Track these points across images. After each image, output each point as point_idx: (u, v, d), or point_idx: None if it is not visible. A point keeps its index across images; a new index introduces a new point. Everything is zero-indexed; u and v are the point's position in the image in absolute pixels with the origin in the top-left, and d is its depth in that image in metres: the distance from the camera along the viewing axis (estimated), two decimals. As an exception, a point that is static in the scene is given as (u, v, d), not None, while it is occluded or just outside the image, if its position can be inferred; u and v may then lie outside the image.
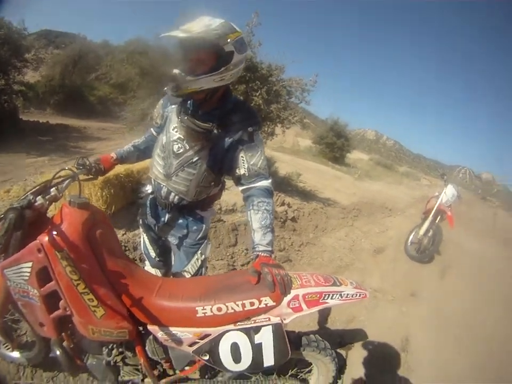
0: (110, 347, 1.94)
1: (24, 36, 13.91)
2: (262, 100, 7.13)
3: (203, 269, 2.51)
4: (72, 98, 20.10)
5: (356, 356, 3.53)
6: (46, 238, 1.60)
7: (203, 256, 2.48)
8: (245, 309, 1.74)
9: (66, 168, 2.03)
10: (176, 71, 1.88)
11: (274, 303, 1.76)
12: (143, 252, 2.70)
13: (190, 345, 1.82)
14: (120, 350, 1.98)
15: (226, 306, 1.74)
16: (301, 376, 2.28)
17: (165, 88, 2.14)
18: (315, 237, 6.70)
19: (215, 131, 2.01)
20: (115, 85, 13.34)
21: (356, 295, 1.95)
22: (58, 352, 1.94)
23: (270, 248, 1.90)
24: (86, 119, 18.35)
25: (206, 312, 1.74)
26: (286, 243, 5.82)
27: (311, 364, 2.27)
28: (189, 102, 2.11)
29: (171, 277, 2.55)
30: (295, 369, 2.25)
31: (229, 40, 1.85)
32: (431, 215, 7.33)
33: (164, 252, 2.62)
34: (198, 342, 1.80)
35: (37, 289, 1.70)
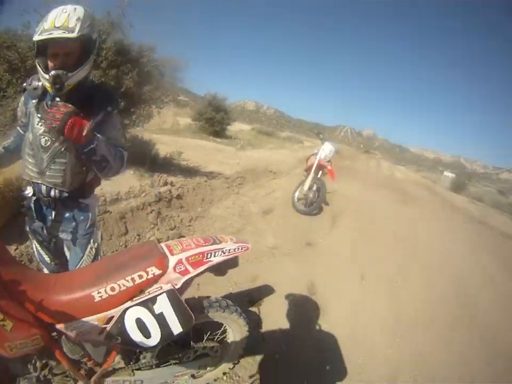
0: (33, 362, 1.85)
1: None
2: (133, 83, 6.92)
3: (99, 257, 2.49)
4: None
5: (268, 310, 3.76)
6: None
7: (96, 244, 2.47)
8: (136, 283, 1.77)
9: None
10: (56, 72, 1.87)
11: (160, 271, 1.82)
12: (38, 259, 2.58)
13: (100, 333, 1.81)
14: (43, 361, 1.88)
15: (118, 285, 1.75)
16: (218, 338, 2.43)
17: (24, 84, 2.18)
18: (203, 210, 6.78)
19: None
20: None
21: (238, 248, 2.10)
22: None
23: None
24: None
25: (102, 295, 1.73)
26: (175, 221, 5.83)
27: (223, 325, 2.41)
28: (47, 94, 2.05)
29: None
30: (209, 333, 2.39)
31: (95, 28, 1.97)
32: (312, 171, 7.84)
33: (56, 254, 2.52)
34: (105, 327, 1.80)
35: None
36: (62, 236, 2.39)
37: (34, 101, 2.11)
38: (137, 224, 5.19)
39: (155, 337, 1.85)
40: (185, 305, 1.91)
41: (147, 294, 1.82)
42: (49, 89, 1.92)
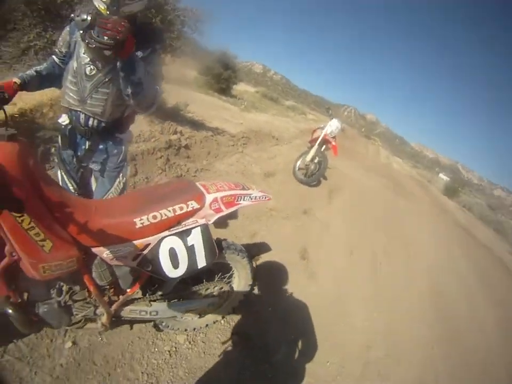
0: (58, 287, 1.88)
1: None
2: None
3: (125, 191, 2.60)
4: None
5: (263, 266, 4.01)
6: None
7: (124, 178, 2.57)
8: (176, 213, 1.88)
9: None
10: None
11: (199, 206, 1.95)
12: (61, 186, 2.51)
13: (134, 259, 1.90)
14: (68, 286, 1.92)
15: (160, 214, 1.85)
16: (226, 281, 2.59)
17: (72, 15, 2.13)
18: (208, 163, 6.86)
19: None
20: None
21: (262, 197, 2.29)
22: (9, 311, 1.77)
23: None
24: None
25: (143, 222, 1.82)
26: (182, 170, 5.92)
27: (232, 269, 2.59)
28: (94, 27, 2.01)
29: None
30: (220, 274, 2.56)
31: None
32: (317, 144, 7.98)
33: (82, 184, 2.62)
34: (141, 254, 1.89)
35: None
36: (92, 166, 2.50)
37: (81, 32, 2.11)
38: (146, 168, 5.29)
39: (182, 269, 1.98)
40: (214, 241, 2.06)
41: (183, 225, 1.93)
42: (103, 11, 1.89)
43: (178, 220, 1.91)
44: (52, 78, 2.35)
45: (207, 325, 2.82)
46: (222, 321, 2.95)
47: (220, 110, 13.65)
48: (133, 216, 1.82)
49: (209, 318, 2.81)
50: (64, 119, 2.43)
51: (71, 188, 2.57)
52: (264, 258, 4.15)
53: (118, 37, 1.72)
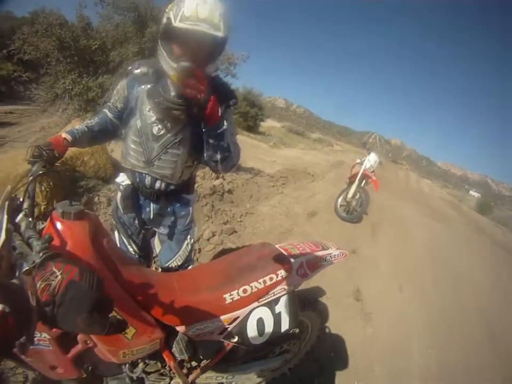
0: (131, 362, 1.77)
1: None
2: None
3: (192, 253, 2.49)
4: None
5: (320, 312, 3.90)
6: None
7: (192, 240, 2.44)
8: (266, 284, 1.82)
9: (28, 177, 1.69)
10: (187, 64, 1.60)
11: (287, 274, 1.88)
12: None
13: (220, 333, 1.83)
14: (145, 361, 1.83)
15: (251, 287, 1.78)
16: (302, 337, 2.55)
17: (129, 68, 2.05)
18: (252, 206, 6.83)
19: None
20: (25, 61, 12.07)
21: (340, 254, 2.19)
22: None
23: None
24: None
25: (233, 297, 1.75)
26: (228, 215, 5.89)
27: (305, 324, 2.52)
28: (161, 79, 1.96)
29: (156, 269, 2.49)
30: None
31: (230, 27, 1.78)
32: (357, 180, 7.88)
33: (143, 246, 2.50)
34: (228, 327, 1.82)
35: (46, 333, 1.43)
36: (158, 229, 2.37)
37: (143, 86, 1.97)
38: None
39: (266, 335, 1.91)
40: (298, 305, 2.01)
41: (271, 295, 1.87)
42: (173, 78, 1.76)
43: (268, 291, 1.85)
44: (104, 134, 2.24)
45: (274, 378, 2.73)
46: (288, 373, 2.86)
47: (251, 148, 13.79)
48: (222, 291, 1.75)
49: (280, 370, 2.71)
50: (123, 179, 2.28)
51: (131, 250, 2.46)
52: (320, 303, 4.07)
53: (199, 97, 1.62)
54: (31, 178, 1.59)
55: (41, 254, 0.99)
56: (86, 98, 8.60)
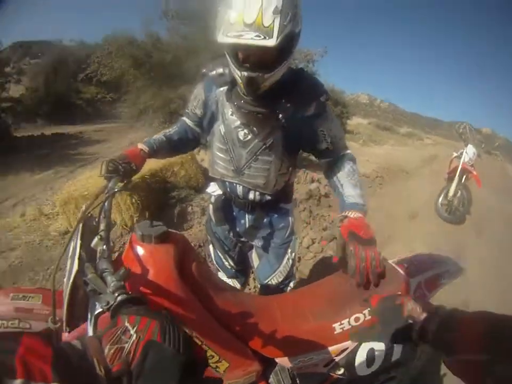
0: None
1: None
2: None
3: (294, 267, 2.24)
4: (60, 105, 19.36)
5: None
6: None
7: (293, 254, 2.18)
8: None
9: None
10: (249, 74, 1.48)
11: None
12: (215, 262, 2.41)
13: (326, 365, 1.60)
14: None
15: (364, 314, 1.55)
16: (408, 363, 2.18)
17: (204, 70, 1.87)
18: (351, 210, 6.42)
19: (284, 109, 1.67)
20: (104, 82, 12.96)
21: (459, 270, 1.95)
22: None
23: (362, 201, 1.60)
24: (79, 123, 17.82)
25: (344, 327, 1.53)
26: (326, 221, 5.52)
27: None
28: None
29: (252, 289, 2.35)
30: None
31: (299, 19, 1.48)
32: (456, 175, 7.18)
33: (240, 260, 2.35)
34: (335, 359, 1.58)
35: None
36: (254, 242, 2.17)
37: (222, 89, 1.79)
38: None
39: (375, 366, 1.64)
40: None
41: None
42: (241, 85, 1.58)
43: (382, 317, 1.55)
44: (184, 144, 2.09)
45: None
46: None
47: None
48: (331, 319, 1.54)
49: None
50: (214, 189, 2.13)
51: (226, 263, 2.34)
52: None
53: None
54: (106, 195, 1.48)
55: (116, 294, 0.92)
56: (169, 110, 8.85)
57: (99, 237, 1.24)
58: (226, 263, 2.32)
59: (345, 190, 1.67)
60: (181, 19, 8.33)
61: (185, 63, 8.19)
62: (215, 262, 2.40)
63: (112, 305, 0.88)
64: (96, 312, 0.98)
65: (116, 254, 1.50)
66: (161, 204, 4.87)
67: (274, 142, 1.74)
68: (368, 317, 1.52)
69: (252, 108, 1.68)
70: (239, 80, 1.56)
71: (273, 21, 1.35)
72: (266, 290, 2.19)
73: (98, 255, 1.18)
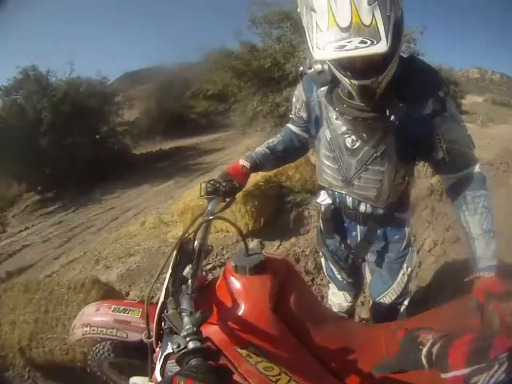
0: None
1: (106, 84, 15.76)
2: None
3: (409, 284, 1.99)
4: (175, 122, 20.85)
5: None
6: (217, 329, 1.16)
7: (409, 269, 1.93)
8: None
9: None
10: (362, 83, 1.26)
11: None
12: (326, 274, 2.28)
13: None
14: None
15: None
16: None
17: (301, 68, 1.66)
18: (470, 205, 5.82)
19: (396, 108, 1.38)
20: (212, 96, 13.68)
21: None
22: None
23: (494, 263, 1.36)
24: (195, 136, 18.88)
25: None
26: (449, 219, 4.86)
27: None
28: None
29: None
30: None
31: (400, 3, 1.22)
32: None
33: (352, 272, 2.16)
34: None
35: None
36: (366, 256, 1.99)
37: (323, 89, 1.55)
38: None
39: None
40: None
41: None
42: (353, 92, 1.36)
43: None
44: (290, 153, 1.95)
45: None
46: None
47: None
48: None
49: None
50: (324, 198, 1.96)
51: (338, 277, 2.16)
52: None
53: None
54: (204, 220, 1.42)
55: (188, 339, 0.90)
56: (278, 114, 9.00)
57: (190, 266, 1.27)
58: (338, 275, 2.16)
59: (477, 246, 1.42)
60: (269, 23, 8.42)
61: (285, 65, 8.28)
62: (326, 274, 2.28)
63: (180, 350, 0.88)
64: (166, 352, 0.95)
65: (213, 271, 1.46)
66: (276, 209, 4.87)
67: (386, 149, 1.51)
68: None
69: (358, 113, 1.42)
70: (349, 88, 1.34)
71: (373, 15, 1.10)
72: (378, 308, 2.03)
73: (184, 288, 1.19)
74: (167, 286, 1.22)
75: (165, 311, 1.13)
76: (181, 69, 23.56)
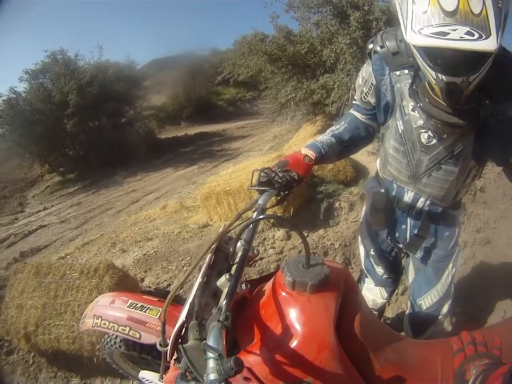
0: None
1: (134, 68, 16.26)
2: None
3: (452, 286, 1.87)
4: (202, 108, 21.05)
5: None
6: (259, 361, 0.93)
7: (454, 269, 1.82)
8: None
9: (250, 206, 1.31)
10: (453, 79, 1.10)
11: None
12: (364, 266, 2.15)
13: None
14: None
15: None
16: None
17: (371, 46, 1.47)
18: (505, 208, 5.47)
19: (482, 107, 1.26)
20: (242, 82, 13.61)
21: None
22: None
23: None
24: (222, 122, 18.90)
25: None
26: (480, 220, 4.74)
27: None
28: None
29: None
30: None
31: None
32: None
33: (393, 267, 2.07)
34: None
35: None
36: (414, 254, 1.88)
37: (398, 73, 1.41)
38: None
39: None
40: None
41: None
42: (435, 88, 1.23)
43: None
44: (356, 143, 1.74)
45: None
46: None
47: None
48: None
49: None
50: (373, 184, 1.85)
51: (378, 271, 2.05)
52: None
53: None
54: (253, 215, 1.22)
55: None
56: (312, 101, 8.79)
57: (227, 276, 1.00)
58: (377, 269, 2.05)
59: None
60: (308, 7, 8.04)
61: (323, 52, 7.97)
62: (364, 267, 2.15)
63: None
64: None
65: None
66: (307, 199, 4.67)
67: (463, 150, 1.39)
68: None
69: (446, 116, 1.28)
70: (433, 82, 1.19)
71: (484, 3, 0.96)
72: (416, 310, 1.94)
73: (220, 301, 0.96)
74: (193, 300, 0.99)
75: (186, 334, 0.93)
76: (212, 55, 23.64)
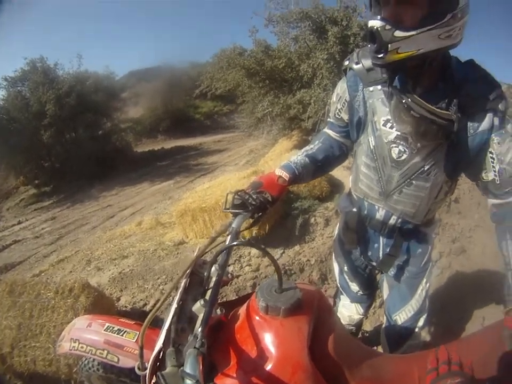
0: None
1: (113, 79, 16.26)
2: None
3: (427, 300, 1.87)
4: (179, 121, 20.96)
5: None
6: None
7: (427, 285, 1.83)
8: None
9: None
10: (375, 22, 1.14)
11: None
12: (338, 283, 2.13)
13: None
14: None
15: None
16: None
17: (346, 62, 1.51)
18: (480, 217, 5.63)
19: (457, 118, 1.24)
20: (219, 96, 13.74)
21: None
22: None
23: None
24: (199, 136, 18.93)
25: None
26: (456, 230, 4.88)
27: None
28: (396, 77, 1.34)
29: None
30: None
31: None
32: None
33: (368, 284, 2.06)
34: None
35: None
36: (387, 272, 1.88)
37: (371, 89, 1.42)
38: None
39: None
40: None
41: None
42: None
43: None
44: (330, 162, 1.73)
45: None
46: None
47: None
48: None
49: None
50: (346, 205, 1.83)
51: (352, 288, 2.05)
52: None
53: None
54: (228, 239, 1.22)
55: None
56: (288, 116, 8.97)
57: (202, 302, 1.02)
58: (352, 286, 2.05)
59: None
60: (287, 22, 8.24)
61: (300, 67, 8.12)
62: (338, 284, 2.14)
63: None
64: None
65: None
66: (282, 215, 4.70)
67: (435, 164, 1.40)
68: None
69: (426, 112, 1.25)
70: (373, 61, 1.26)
71: None
72: (393, 326, 1.93)
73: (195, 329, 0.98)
74: (169, 326, 1.00)
75: (163, 358, 0.94)
76: (191, 67, 23.60)
